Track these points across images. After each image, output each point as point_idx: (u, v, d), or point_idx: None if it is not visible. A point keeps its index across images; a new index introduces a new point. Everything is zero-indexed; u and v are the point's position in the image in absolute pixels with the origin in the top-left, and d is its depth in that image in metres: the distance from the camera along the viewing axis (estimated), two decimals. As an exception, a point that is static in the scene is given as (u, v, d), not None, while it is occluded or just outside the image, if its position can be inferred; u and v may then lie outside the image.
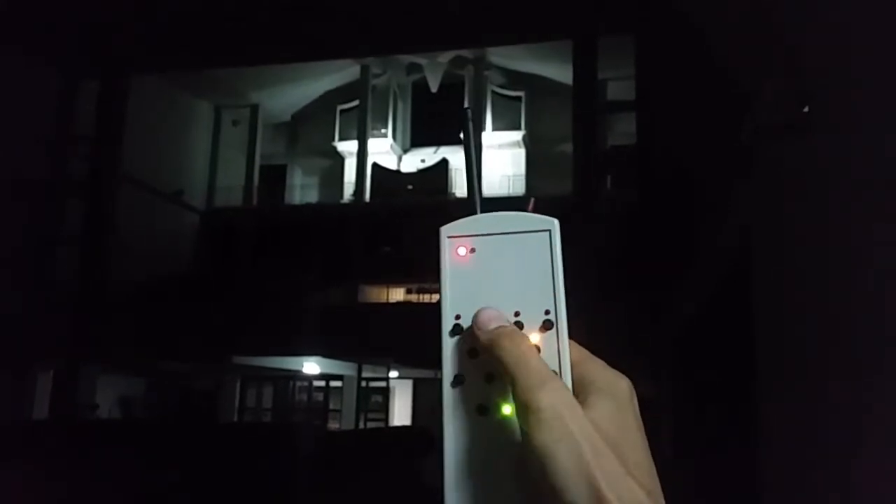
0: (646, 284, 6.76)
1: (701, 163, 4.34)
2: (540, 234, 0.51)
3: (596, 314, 7.53)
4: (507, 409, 0.47)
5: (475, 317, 0.49)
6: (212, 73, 18.85)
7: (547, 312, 0.49)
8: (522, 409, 0.44)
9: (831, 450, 1.73)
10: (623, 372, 0.51)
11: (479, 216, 0.52)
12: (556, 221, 0.51)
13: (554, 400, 0.44)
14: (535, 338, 0.49)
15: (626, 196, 9.66)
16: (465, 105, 22.17)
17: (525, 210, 0.53)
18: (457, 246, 0.51)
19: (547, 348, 0.48)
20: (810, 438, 1.82)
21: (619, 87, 12.65)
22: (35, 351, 9.72)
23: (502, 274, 0.50)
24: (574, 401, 0.45)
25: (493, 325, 0.48)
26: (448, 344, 0.49)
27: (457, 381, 0.49)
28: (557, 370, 0.48)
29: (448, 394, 0.49)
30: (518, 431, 0.46)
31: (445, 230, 0.52)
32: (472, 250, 0.51)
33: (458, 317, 0.50)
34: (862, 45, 1.79)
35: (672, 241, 5.67)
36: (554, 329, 0.49)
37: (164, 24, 8.94)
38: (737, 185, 2.95)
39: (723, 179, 3.43)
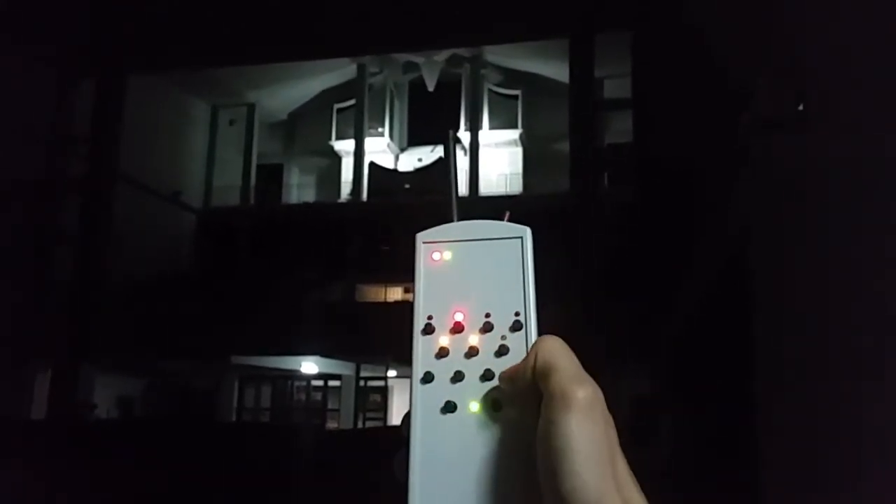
0: (644, 283, 6.76)
1: (698, 160, 4.34)
2: (512, 241, 0.53)
3: (594, 313, 7.54)
4: (475, 406, 0.49)
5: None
6: (209, 72, 18.85)
7: (517, 314, 0.51)
8: (559, 397, 0.44)
9: (832, 449, 1.73)
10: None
11: (455, 224, 0.55)
12: (528, 230, 0.53)
13: (589, 395, 0.44)
14: (504, 338, 0.50)
15: (624, 194, 9.66)
16: (461, 106, 22.30)
17: (501, 219, 0.54)
18: (432, 251, 0.53)
19: (516, 348, 0.50)
20: (811, 438, 1.82)
21: (616, 85, 12.64)
22: (33, 350, 9.70)
23: (474, 277, 0.52)
24: (601, 403, 0.46)
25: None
26: (419, 342, 0.51)
27: (426, 379, 0.50)
28: None
29: (417, 391, 0.50)
30: (488, 428, 0.48)
31: (421, 236, 0.54)
32: (447, 255, 0.53)
33: (430, 317, 0.51)
34: (860, 40, 1.79)
35: (670, 239, 5.67)
36: (523, 330, 0.50)
37: (161, 23, 8.92)
38: (734, 183, 2.95)
39: (720, 177, 3.43)
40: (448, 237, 0.54)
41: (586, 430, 0.43)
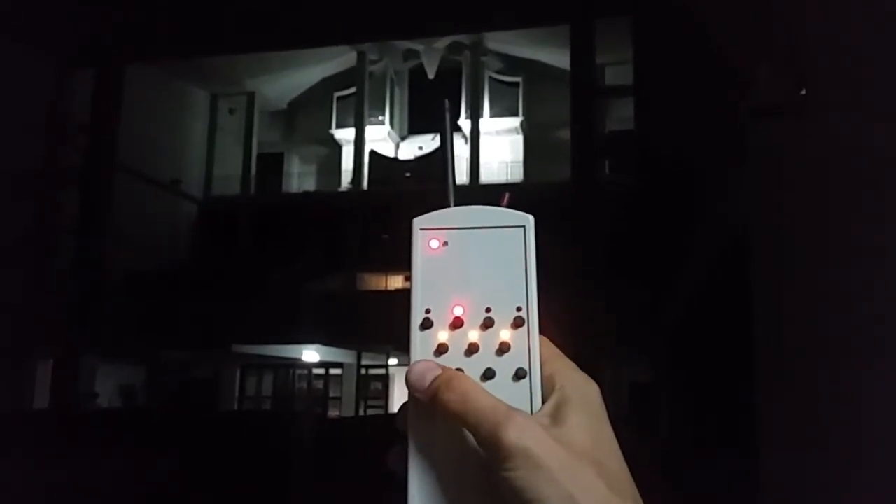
0: (644, 270, 6.76)
1: (699, 146, 4.33)
2: (514, 229, 0.50)
3: (594, 300, 7.54)
4: None
5: (407, 377, 0.48)
6: (208, 61, 18.77)
7: (518, 309, 0.49)
8: (492, 450, 0.43)
9: (830, 436, 1.73)
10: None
11: (454, 209, 0.52)
12: (531, 218, 0.50)
13: (521, 436, 0.43)
14: (505, 334, 0.48)
15: (625, 181, 9.64)
16: (462, 94, 22.23)
17: (500, 204, 0.52)
18: (429, 238, 0.51)
19: (517, 345, 0.48)
20: (809, 425, 1.82)
21: (617, 72, 12.61)
22: (35, 340, 9.73)
23: (474, 268, 0.50)
24: (540, 430, 0.44)
25: (429, 378, 0.47)
26: (417, 338, 0.49)
27: None
28: (527, 367, 0.48)
29: None
30: None
31: (418, 222, 0.51)
32: (445, 243, 0.50)
33: (428, 311, 0.49)
34: (858, 27, 1.78)
35: (671, 225, 5.66)
36: (525, 326, 0.48)
37: (160, 12, 8.89)
38: (734, 169, 2.94)
39: (721, 163, 3.42)
40: (447, 224, 0.51)
41: (538, 477, 0.42)
